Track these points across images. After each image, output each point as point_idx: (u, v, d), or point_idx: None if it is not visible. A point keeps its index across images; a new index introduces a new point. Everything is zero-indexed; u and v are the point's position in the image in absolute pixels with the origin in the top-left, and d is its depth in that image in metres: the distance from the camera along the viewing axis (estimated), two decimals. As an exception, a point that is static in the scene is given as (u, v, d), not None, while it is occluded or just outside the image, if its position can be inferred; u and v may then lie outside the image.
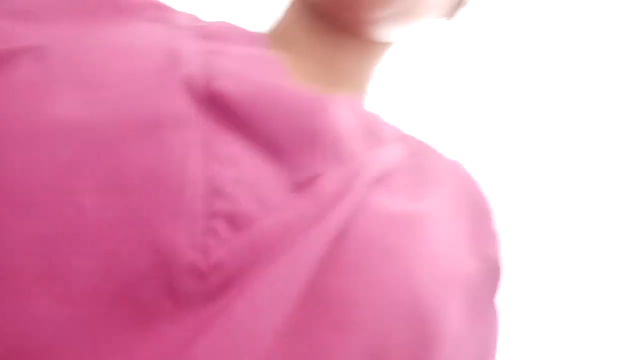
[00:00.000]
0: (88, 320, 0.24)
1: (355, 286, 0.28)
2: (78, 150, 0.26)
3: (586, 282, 1.03)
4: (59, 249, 0.24)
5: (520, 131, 1.16)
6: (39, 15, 0.33)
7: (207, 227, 0.27)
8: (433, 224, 0.34)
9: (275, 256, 0.27)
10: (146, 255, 0.25)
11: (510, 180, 1.10)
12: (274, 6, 0.46)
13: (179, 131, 0.28)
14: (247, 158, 0.30)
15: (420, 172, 0.38)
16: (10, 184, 0.25)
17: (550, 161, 1.16)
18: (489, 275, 0.37)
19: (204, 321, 0.25)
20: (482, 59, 1.17)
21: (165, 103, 0.29)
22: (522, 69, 1.18)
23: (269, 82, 0.32)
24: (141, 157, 0.26)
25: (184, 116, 0.29)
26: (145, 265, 0.25)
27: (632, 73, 1.14)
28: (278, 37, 0.41)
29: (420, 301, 0.30)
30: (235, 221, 0.28)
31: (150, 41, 0.32)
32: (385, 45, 0.43)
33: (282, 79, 0.34)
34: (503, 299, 0.39)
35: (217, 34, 0.37)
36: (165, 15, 0.38)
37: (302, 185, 0.30)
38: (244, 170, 0.29)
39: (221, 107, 0.30)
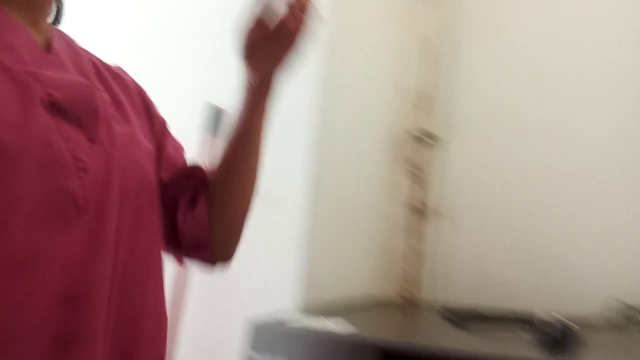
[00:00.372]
0: (37, 219, 0.55)
1: (131, 178, 0.65)
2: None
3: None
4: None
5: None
6: None
7: (78, 176, 0.59)
8: (139, 136, 0.70)
9: (106, 183, 0.61)
10: (61, 188, 0.58)
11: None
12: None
13: (46, 127, 0.58)
14: (74, 133, 0.61)
15: (115, 93, 0.70)
16: None
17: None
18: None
19: (91, 220, 0.59)
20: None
21: (33, 114, 0.58)
22: None
23: (70, 80, 0.64)
24: (41, 144, 0.57)
25: (47, 118, 0.59)
26: (61, 192, 0.58)
27: None
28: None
29: (148, 174, 0.69)
30: (86, 169, 0.60)
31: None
32: None
33: (66, 73, 0.65)
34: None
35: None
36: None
37: (95, 139, 0.62)
38: (76, 141, 0.60)
39: (57, 109, 0.60)
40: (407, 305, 1.69)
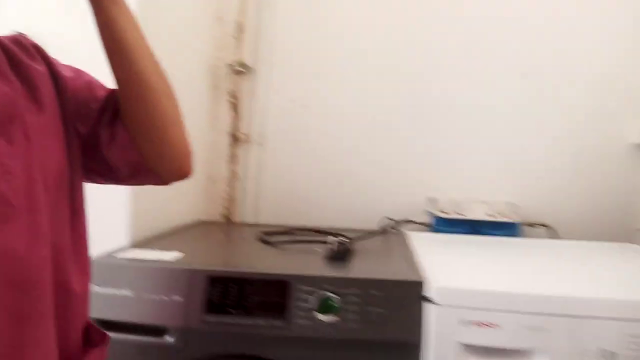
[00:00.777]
0: None
1: (49, 169, 0.70)
2: None
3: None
4: None
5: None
6: None
7: (5, 179, 0.62)
8: (51, 120, 0.72)
9: (30, 179, 0.65)
10: None
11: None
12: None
13: None
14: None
15: (27, 73, 0.70)
16: None
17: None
18: None
19: (27, 214, 0.63)
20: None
21: None
22: None
23: None
24: None
25: None
26: None
27: None
28: None
29: (61, 160, 0.72)
30: (10, 172, 0.63)
31: None
32: None
33: None
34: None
35: None
36: None
37: (13, 141, 0.64)
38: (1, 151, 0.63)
39: None
40: (228, 226, 1.78)
